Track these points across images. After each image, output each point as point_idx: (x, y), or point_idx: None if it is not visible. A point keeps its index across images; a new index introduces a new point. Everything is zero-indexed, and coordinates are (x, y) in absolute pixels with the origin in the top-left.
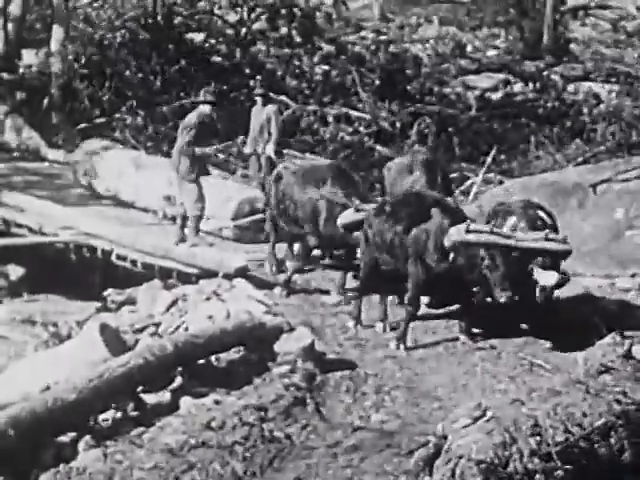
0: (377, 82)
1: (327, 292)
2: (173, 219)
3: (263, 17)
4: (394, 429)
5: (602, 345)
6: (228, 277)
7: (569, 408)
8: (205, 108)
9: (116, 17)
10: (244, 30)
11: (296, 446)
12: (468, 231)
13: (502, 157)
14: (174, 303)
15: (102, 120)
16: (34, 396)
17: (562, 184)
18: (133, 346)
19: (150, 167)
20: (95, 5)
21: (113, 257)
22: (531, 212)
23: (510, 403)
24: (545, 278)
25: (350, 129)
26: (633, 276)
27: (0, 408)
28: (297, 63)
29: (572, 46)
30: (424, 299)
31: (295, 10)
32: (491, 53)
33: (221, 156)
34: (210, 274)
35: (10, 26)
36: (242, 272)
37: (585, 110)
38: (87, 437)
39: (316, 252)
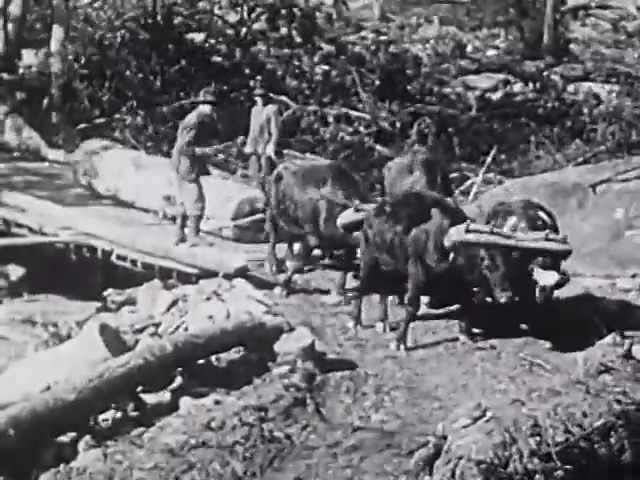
0: (377, 82)
1: (327, 292)
2: (173, 219)
3: (263, 17)
4: (394, 429)
5: (602, 345)
6: (228, 277)
7: (569, 408)
8: (205, 108)
9: (116, 17)
10: (244, 30)
11: (296, 446)
12: (468, 231)
13: (502, 157)
14: (174, 303)
15: (102, 120)
16: (34, 396)
17: (562, 184)
18: (133, 346)
19: (150, 167)
20: (95, 5)
21: (113, 257)
22: (531, 212)
23: (510, 403)
24: (545, 278)
25: (350, 129)
26: (633, 276)
27: (0, 408)
28: (297, 63)
29: (572, 46)
30: (424, 299)
31: (295, 10)
32: (491, 53)
33: (221, 156)
34: (210, 274)
35: (10, 26)
36: (242, 272)
37: (585, 110)
38: (87, 437)
39: (316, 252)
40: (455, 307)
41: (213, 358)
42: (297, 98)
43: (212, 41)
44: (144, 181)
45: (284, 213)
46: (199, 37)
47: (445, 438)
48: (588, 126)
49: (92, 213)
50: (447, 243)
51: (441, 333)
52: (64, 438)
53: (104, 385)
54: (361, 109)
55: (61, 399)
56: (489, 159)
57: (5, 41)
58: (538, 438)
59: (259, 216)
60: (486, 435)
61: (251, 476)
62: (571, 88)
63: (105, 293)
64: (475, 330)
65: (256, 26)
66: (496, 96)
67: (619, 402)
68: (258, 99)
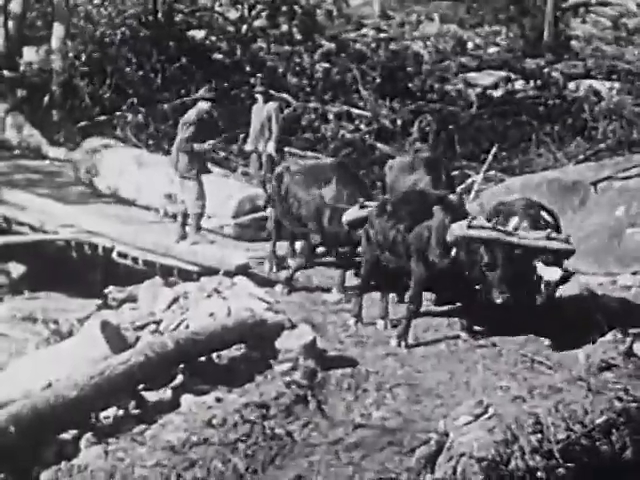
0: (378, 80)
1: (328, 290)
2: (174, 217)
3: (264, 14)
4: (395, 427)
5: (603, 342)
6: (229, 274)
7: (570, 405)
8: (204, 105)
9: (117, 14)
10: (245, 27)
11: (297, 443)
12: (470, 227)
13: (503, 155)
14: (175, 300)
15: (103, 118)
16: (35, 393)
17: (563, 182)
18: (134, 344)
19: (151, 165)
20: (96, 2)
21: (114, 255)
22: (533, 212)
23: (511, 400)
24: (549, 274)
25: (351, 127)
26: (634, 274)
27: (1, 406)
28: (298, 60)
29: (573, 43)
30: (431, 296)
31: (296, 7)
32: (492, 50)
33: (222, 154)
34: (211, 271)
35: (11, 24)
36: (243, 269)
37: (586, 108)
38: (88, 434)
39: (318, 250)
40: (457, 304)
41: (214, 355)
42: (298, 95)
43: (213, 38)
44: (145, 179)
45: (288, 212)
46: (200, 34)
47: (447, 435)
48: (589, 124)
49: (93, 211)
50: (449, 238)
51: (442, 330)
52: (65, 435)
53: (105, 382)
54: (362, 107)
55: (62, 396)
56: (490, 157)
57: (6, 38)
58: (539, 435)
59: (260, 214)
60: (488, 432)
61: (252, 473)
62: (572, 85)
63: (106, 290)
64: (476, 327)
65: (257, 23)
66: (497, 93)
67: (620, 399)
68: (259, 96)
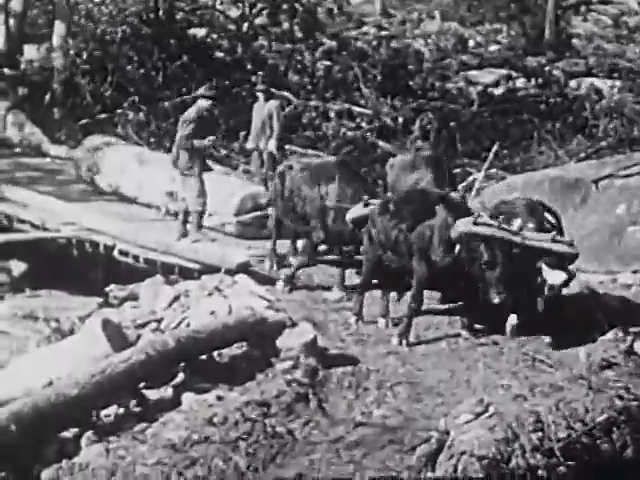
0: (379, 77)
1: (329, 288)
2: (175, 215)
3: (265, 12)
4: (396, 425)
5: (604, 341)
6: (230, 273)
7: (571, 404)
8: (204, 103)
9: (118, 12)
10: (246, 25)
11: (298, 442)
12: (476, 223)
13: (504, 153)
14: (176, 299)
15: (104, 116)
16: (36, 391)
17: (564, 180)
18: (135, 342)
19: (153, 163)
20: (97, 0)
21: (115, 253)
22: (537, 214)
23: (512, 399)
24: (553, 277)
25: (352, 125)
26: (635, 272)
27: (2, 404)
28: (299, 58)
29: (574, 41)
30: (430, 294)
31: (297, 5)
32: (493, 48)
33: (223, 151)
34: (212, 270)
35: (12, 22)
36: (244, 268)
37: (587, 105)
38: (89, 433)
39: (320, 248)
40: (458, 303)
41: (215, 354)
42: (299, 93)
43: (214, 36)
44: (146, 177)
45: (292, 210)
46: (201, 32)
47: (447, 434)
48: (590, 122)
49: (94, 209)
50: (454, 235)
51: (443, 329)
52: (66, 434)
53: (106, 381)
54: (363, 105)
55: (63, 395)
56: (491, 155)
57: (7, 36)
58: (540, 434)
59: (262, 212)
60: (488, 431)
61: (253, 471)
62: (573, 83)
63: (107, 289)
64: (477, 326)
65: (258, 21)
66: (498, 91)
67: (621, 398)
68: (260, 94)
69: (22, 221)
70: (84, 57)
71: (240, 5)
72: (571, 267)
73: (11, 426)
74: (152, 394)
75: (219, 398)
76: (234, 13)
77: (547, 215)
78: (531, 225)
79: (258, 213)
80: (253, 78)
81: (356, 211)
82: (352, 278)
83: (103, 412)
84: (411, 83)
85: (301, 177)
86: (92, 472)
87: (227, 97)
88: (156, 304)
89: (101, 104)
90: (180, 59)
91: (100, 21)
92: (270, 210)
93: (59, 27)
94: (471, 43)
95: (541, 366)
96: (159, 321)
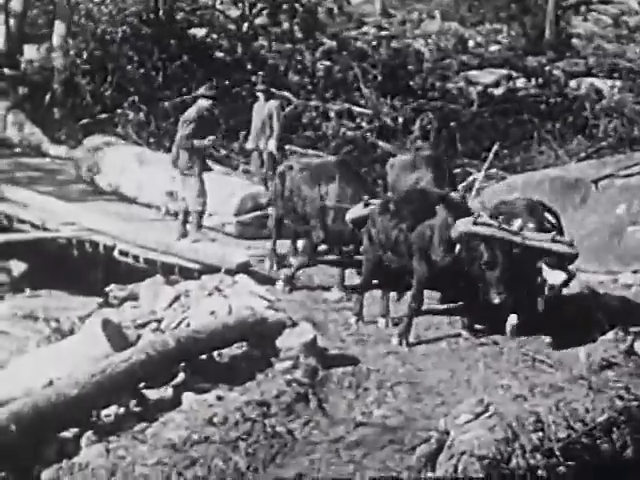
0: (379, 78)
1: (329, 288)
2: (175, 215)
3: (265, 12)
4: (396, 425)
5: (604, 341)
6: (230, 273)
7: (571, 404)
8: (204, 102)
9: (118, 12)
10: (246, 25)
11: (298, 442)
12: (476, 223)
13: (504, 152)
14: (176, 299)
15: (104, 116)
16: (36, 391)
17: (564, 180)
18: (135, 342)
19: (153, 163)
20: (96, 0)
21: (115, 253)
22: (537, 214)
23: (512, 399)
24: (553, 276)
25: (352, 125)
26: (635, 272)
27: (2, 404)
28: (299, 58)
29: (574, 41)
30: (430, 294)
31: (297, 5)
32: (493, 48)
33: (223, 151)
34: (212, 270)
35: (12, 21)
36: (244, 268)
37: (587, 105)
38: (89, 433)
39: (320, 248)
40: (458, 303)
41: (215, 354)
42: (299, 93)
43: (214, 36)
44: (146, 177)
45: (292, 210)
46: (201, 32)
47: (447, 434)
48: (590, 121)
49: (94, 209)
50: (454, 234)
51: (443, 329)
52: (66, 434)
53: (106, 380)
54: (363, 105)
55: (63, 394)
56: (491, 155)
57: (7, 36)
58: (540, 434)
59: (262, 212)
60: (488, 431)
61: (253, 471)
62: (573, 83)
63: (107, 289)
64: (477, 326)
65: (258, 21)
66: (498, 91)
67: (621, 398)
68: (260, 94)
69: (22, 221)
70: (84, 57)
71: (240, 5)
72: (571, 267)
73: (11, 426)
74: (152, 394)
75: (219, 398)
76: (234, 13)
77: (547, 215)
78: (531, 225)
79: (258, 213)
80: (253, 78)
81: (356, 211)
82: (352, 278)
83: (103, 412)
84: (411, 83)
85: (301, 177)
86: (92, 472)
87: (227, 97)
88: (156, 304)
89: (101, 104)
90: (180, 59)
91: (100, 21)
92: (270, 210)
93: (59, 27)
94: (471, 43)
95: (541, 366)
96: (159, 321)
